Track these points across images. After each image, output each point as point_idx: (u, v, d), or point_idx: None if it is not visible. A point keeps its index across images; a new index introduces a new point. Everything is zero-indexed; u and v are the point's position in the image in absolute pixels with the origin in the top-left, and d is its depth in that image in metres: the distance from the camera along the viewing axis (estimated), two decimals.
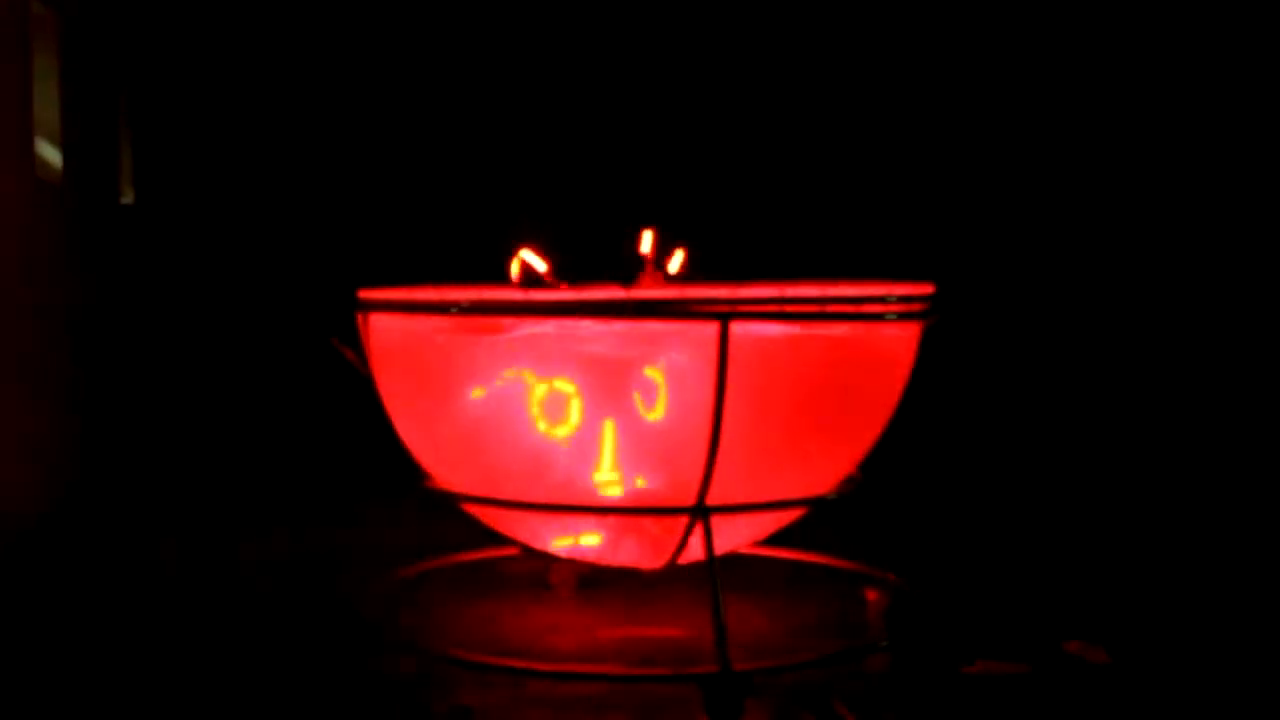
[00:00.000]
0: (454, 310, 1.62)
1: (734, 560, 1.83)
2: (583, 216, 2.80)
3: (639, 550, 1.67)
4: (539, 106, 2.85)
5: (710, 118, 2.84)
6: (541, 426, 1.59)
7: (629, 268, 1.83)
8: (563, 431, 1.60)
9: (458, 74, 2.86)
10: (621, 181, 2.83)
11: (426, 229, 2.83)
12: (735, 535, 1.73)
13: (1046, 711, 1.43)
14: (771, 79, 2.84)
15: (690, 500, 1.56)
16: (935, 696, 1.48)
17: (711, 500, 1.57)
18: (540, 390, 1.59)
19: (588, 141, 2.85)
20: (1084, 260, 2.76)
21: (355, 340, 1.80)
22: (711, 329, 1.49)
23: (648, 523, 1.63)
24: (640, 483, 1.61)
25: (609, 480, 1.62)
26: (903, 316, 1.67)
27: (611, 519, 1.65)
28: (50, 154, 2.42)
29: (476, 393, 1.61)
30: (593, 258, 1.81)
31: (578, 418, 1.59)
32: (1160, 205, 2.73)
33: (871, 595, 1.84)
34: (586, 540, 1.69)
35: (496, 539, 1.87)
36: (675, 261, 1.87)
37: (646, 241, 1.85)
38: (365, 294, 1.76)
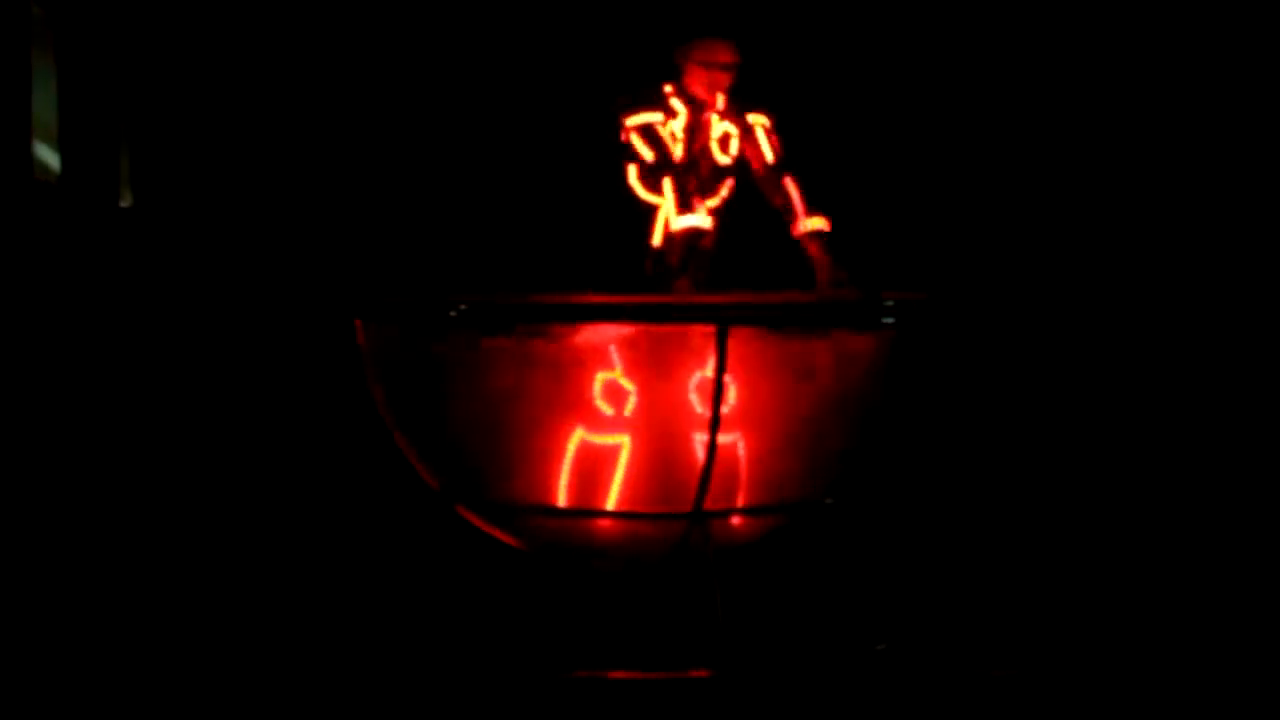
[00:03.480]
0: (453, 316, 1.64)
1: (733, 562, 1.84)
2: (583, 225, 2.81)
3: None
4: (536, 116, 2.86)
5: None
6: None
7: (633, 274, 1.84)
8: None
9: (456, 82, 2.86)
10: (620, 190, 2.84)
11: (425, 236, 2.83)
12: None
13: (1045, 712, 1.45)
14: (765, 88, 2.85)
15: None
16: (935, 696, 1.50)
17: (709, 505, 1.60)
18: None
19: (588, 151, 2.85)
20: (1075, 270, 2.78)
21: (354, 346, 1.81)
22: None
23: None
24: None
25: None
26: (894, 324, 1.69)
27: None
28: (48, 156, 2.43)
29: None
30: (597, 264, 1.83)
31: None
32: (1148, 217, 2.75)
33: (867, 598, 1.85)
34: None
35: (494, 541, 1.89)
36: None
37: None
38: (364, 301, 1.77)
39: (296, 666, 1.62)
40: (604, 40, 2.78)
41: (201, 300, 2.81)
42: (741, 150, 1.90)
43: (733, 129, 1.90)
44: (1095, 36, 2.77)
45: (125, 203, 2.72)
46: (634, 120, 1.86)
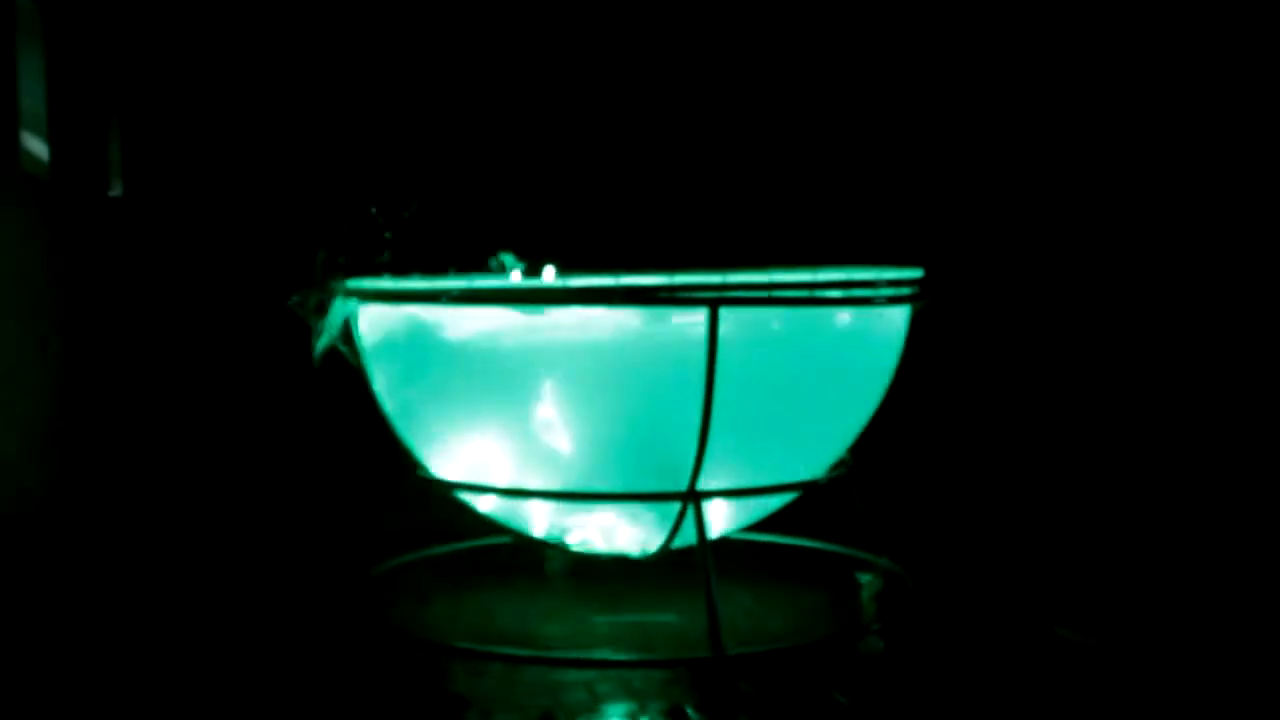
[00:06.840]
0: (444, 300, 1.63)
1: (726, 545, 1.84)
2: (572, 206, 2.80)
3: None
4: (524, 99, 2.85)
5: (700, 106, 2.84)
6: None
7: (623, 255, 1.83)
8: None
9: (445, 70, 2.85)
10: (609, 169, 2.83)
11: (420, 223, 2.82)
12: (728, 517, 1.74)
13: (1038, 700, 1.44)
14: (762, 66, 2.84)
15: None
16: (929, 681, 1.49)
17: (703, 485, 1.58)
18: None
19: (575, 131, 2.84)
20: (1075, 246, 2.76)
21: (347, 332, 1.80)
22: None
23: None
24: None
25: None
26: (892, 302, 1.67)
27: None
28: (37, 147, 2.41)
29: None
30: (583, 246, 1.82)
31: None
32: (1153, 193, 2.74)
33: (864, 580, 1.85)
34: None
35: (490, 528, 1.88)
36: None
37: None
38: (356, 286, 1.77)
39: (285, 654, 1.61)
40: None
41: (194, 290, 2.80)
42: None
43: None
44: (1101, 23, 2.75)
45: (115, 192, 2.71)
46: None
